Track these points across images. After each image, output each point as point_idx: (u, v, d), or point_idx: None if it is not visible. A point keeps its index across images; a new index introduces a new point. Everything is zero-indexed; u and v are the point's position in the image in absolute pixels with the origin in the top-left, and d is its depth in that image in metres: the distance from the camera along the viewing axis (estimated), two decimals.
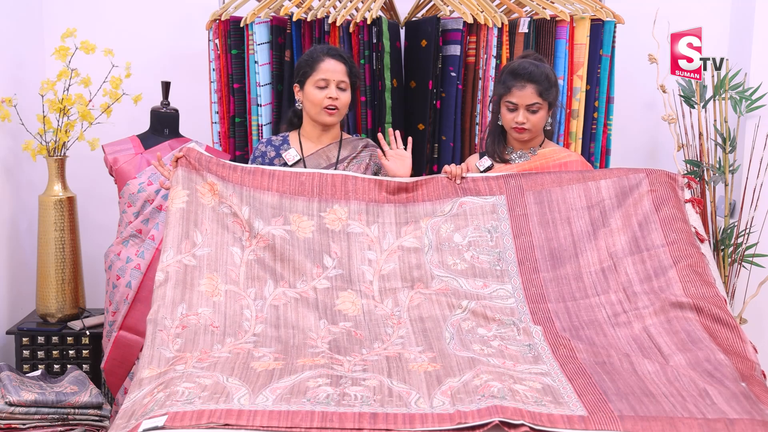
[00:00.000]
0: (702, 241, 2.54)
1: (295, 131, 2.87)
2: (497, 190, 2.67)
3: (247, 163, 2.87)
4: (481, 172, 2.79)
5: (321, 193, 2.61)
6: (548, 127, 2.81)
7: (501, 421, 1.81)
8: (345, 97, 2.74)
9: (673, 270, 2.40)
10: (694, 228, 2.56)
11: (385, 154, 2.74)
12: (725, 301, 2.37)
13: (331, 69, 2.71)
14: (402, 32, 3.25)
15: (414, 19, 3.39)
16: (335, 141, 2.83)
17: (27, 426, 2.68)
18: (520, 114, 2.69)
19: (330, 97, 2.70)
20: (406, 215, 2.64)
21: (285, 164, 2.78)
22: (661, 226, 2.51)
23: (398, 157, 2.73)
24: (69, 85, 3.24)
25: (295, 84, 2.80)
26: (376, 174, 2.81)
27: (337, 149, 2.82)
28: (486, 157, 2.82)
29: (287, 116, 2.94)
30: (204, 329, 2.29)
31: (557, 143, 3.02)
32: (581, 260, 2.51)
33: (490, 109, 2.92)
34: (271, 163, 2.80)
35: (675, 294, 2.34)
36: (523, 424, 1.80)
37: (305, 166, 2.78)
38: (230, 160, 3.11)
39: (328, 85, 2.71)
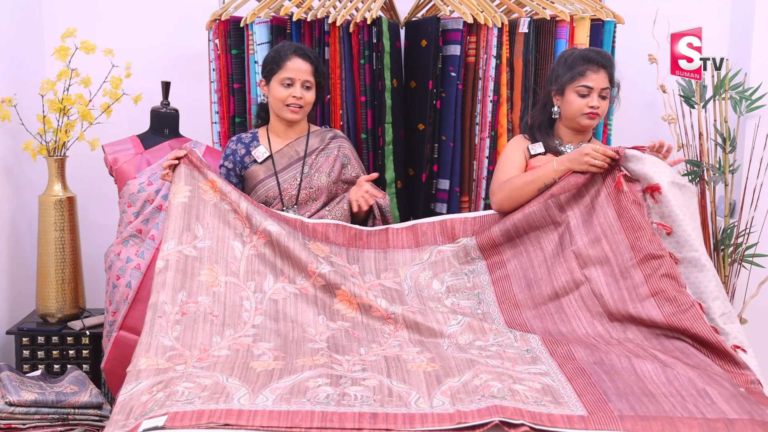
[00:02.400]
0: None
1: (264, 127, 2.90)
2: (462, 232, 2.69)
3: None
4: (531, 156, 2.75)
5: (304, 233, 2.64)
6: None
7: (501, 421, 1.81)
8: (309, 96, 2.77)
9: (644, 286, 2.34)
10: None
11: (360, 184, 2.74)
12: (699, 305, 2.30)
13: (297, 68, 2.73)
14: (402, 32, 3.25)
15: (414, 19, 3.39)
16: (303, 134, 2.86)
17: (27, 426, 2.68)
18: (595, 98, 2.66)
19: (294, 96, 2.73)
20: (385, 262, 2.66)
21: (255, 162, 2.82)
22: (626, 236, 2.42)
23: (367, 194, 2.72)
24: (69, 85, 3.24)
25: (261, 79, 2.83)
26: (344, 166, 2.84)
27: (304, 142, 2.84)
28: (539, 143, 2.76)
29: (255, 111, 2.98)
30: (203, 317, 2.30)
31: None
32: (558, 288, 2.47)
33: (543, 99, 2.81)
34: (241, 162, 2.84)
35: (653, 319, 2.29)
36: (523, 424, 1.80)
37: (274, 163, 2.81)
38: None
39: (293, 84, 2.73)
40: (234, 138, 2.90)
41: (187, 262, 2.40)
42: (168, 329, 2.23)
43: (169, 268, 2.37)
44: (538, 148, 2.76)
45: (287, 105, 2.75)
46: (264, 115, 2.91)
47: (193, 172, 2.57)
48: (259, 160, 2.82)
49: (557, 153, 2.74)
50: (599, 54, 2.69)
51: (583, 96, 2.67)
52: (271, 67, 2.77)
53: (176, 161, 2.60)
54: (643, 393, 1.96)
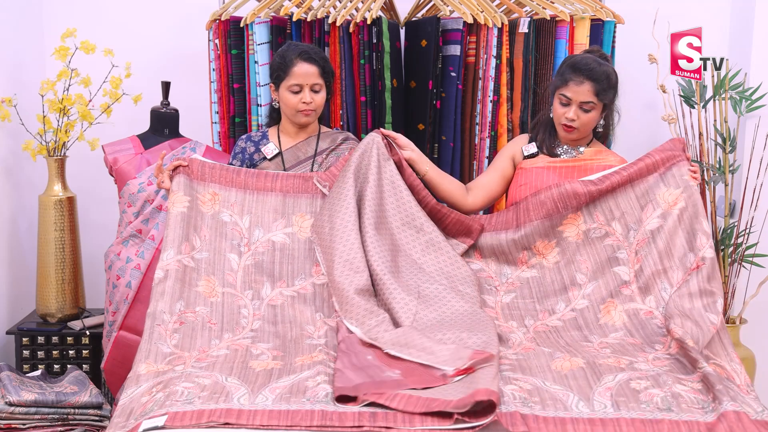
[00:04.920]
0: None
1: (274, 126, 2.90)
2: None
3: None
4: (525, 156, 2.75)
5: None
6: (599, 129, 2.73)
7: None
8: (319, 98, 2.76)
9: None
10: None
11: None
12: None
13: (304, 73, 2.71)
14: (402, 32, 3.25)
15: (414, 19, 3.39)
16: (313, 134, 2.86)
17: (27, 426, 2.68)
18: (572, 110, 2.61)
19: (304, 102, 2.73)
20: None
21: (264, 159, 2.81)
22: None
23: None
24: (69, 85, 3.24)
25: (271, 83, 2.82)
26: None
27: (315, 142, 2.84)
28: (534, 143, 2.76)
29: (265, 112, 2.99)
30: (202, 325, 2.32)
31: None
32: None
33: (548, 100, 2.79)
34: (251, 159, 2.83)
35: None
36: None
37: (283, 160, 2.81)
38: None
39: (302, 89, 2.72)
40: (243, 136, 2.90)
41: (186, 272, 2.41)
42: (167, 337, 2.24)
43: (168, 278, 2.38)
44: (531, 148, 2.75)
45: (299, 110, 2.74)
46: (276, 116, 2.91)
47: (193, 183, 2.57)
48: (268, 157, 2.81)
49: (552, 153, 2.73)
50: (591, 64, 2.59)
51: (563, 105, 2.64)
52: (278, 74, 2.75)
53: (172, 170, 2.60)
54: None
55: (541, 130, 2.77)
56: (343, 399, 1.92)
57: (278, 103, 2.82)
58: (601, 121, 2.71)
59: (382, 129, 2.66)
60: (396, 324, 2.29)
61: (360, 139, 3.06)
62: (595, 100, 2.60)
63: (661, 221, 2.45)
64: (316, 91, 2.74)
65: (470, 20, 2.96)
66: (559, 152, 2.73)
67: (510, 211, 2.65)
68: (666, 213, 2.46)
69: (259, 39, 3.05)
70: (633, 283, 2.43)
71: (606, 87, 2.60)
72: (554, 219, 2.54)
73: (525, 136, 2.83)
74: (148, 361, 2.15)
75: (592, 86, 2.58)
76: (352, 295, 2.31)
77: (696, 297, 2.31)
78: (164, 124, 3.18)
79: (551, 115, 2.73)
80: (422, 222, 2.54)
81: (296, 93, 2.73)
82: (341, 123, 3.07)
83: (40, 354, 3.19)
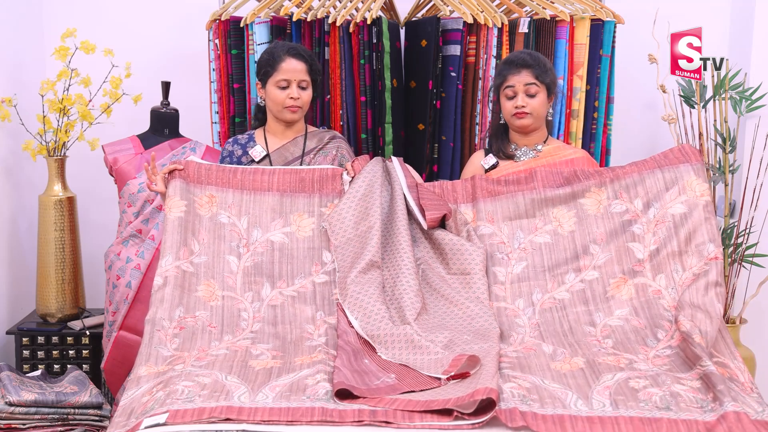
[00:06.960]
0: None
1: (260, 128, 2.91)
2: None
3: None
4: (486, 170, 2.78)
5: (321, 189, 2.63)
6: (549, 117, 2.80)
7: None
8: (306, 96, 2.78)
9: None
10: None
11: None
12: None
13: (292, 69, 2.73)
14: (402, 32, 3.25)
15: (414, 19, 3.39)
16: (300, 134, 2.87)
17: (27, 426, 2.68)
18: (519, 98, 2.70)
19: (291, 98, 2.74)
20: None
21: (252, 161, 2.81)
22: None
23: None
24: (69, 85, 3.24)
25: (257, 81, 2.83)
26: (341, 167, 2.82)
27: (302, 142, 2.85)
28: (491, 155, 2.82)
29: (253, 113, 2.99)
30: (202, 330, 2.31)
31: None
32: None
33: (491, 108, 2.91)
34: (239, 162, 2.84)
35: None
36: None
37: (271, 162, 2.81)
38: None
39: (289, 85, 2.74)
40: (230, 140, 2.90)
41: (185, 278, 2.41)
42: (167, 342, 2.24)
43: (167, 284, 2.37)
44: (490, 160, 2.81)
45: (286, 107, 2.75)
46: (261, 116, 2.91)
47: (189, 186, 2.56)
48: (255, 159, 2.82)
49: (512, 158, 2.77)
50: (521, 55, 2.74)
51: (510, 98, 2.72)
52: (266, 70, 2.76)
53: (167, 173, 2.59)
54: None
55: (494, 140, 2.84)
56: (342, 395, 1.92)
57: (264, 101, 2.82)
58: (550, 109, 2.79)
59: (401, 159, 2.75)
60: (400, 316, 2.31)
61: (356, 139, 3.07)
62: (537, 83, 2.70)
63: (686, 208, 2.43)
64: (303, 88, 2.76)
65: (470, 20, 2.96)
66: (518, 154, 2.78)
67: (527, 172, 2.65)
68: (691, 201, 2.44)
69: (259, 39, 3.05)
70: (647, 262, 2.42)
71: (543, 70, 2.72)
72: (576, 188, 2.55)
73: (480, 153, 2.89)
74: (148, 363, 2.15)
75: (529, 71, 2.70)
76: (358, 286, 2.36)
77: (712, 287, 2.32)
78: (164, 124, 3.18)
79: (500, 122, 2.81)
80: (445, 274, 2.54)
81: (283, 89, 2.74)
82: (341, 123, 3.07)
83: (40, 354, 3.19)
